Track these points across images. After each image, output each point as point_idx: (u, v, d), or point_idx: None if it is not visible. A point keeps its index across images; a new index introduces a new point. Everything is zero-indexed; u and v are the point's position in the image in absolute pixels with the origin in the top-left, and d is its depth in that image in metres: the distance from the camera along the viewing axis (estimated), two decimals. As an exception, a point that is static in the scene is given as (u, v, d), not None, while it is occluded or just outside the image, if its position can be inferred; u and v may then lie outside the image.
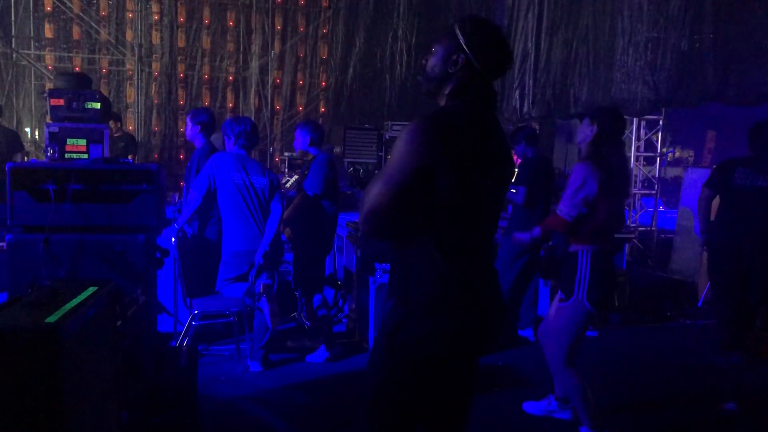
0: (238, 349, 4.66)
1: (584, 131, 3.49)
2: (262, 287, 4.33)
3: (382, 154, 9.04)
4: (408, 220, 1.90)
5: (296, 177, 8.14)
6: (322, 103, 12.66)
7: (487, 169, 1.98)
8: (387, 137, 9.00)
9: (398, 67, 11.99)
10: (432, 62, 2.06)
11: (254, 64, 12.04)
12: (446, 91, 2.04)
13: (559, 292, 3.54)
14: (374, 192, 1.85)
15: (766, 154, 4.96)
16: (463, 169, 1.89)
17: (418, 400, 2.01)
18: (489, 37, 2.02)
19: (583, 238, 3.42)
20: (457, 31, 2.01)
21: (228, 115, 11.21)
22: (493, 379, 4.50)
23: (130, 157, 8.42)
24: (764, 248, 4.95)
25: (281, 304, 4.84)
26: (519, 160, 5.50)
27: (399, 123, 9.13)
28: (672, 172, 16.32)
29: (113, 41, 11.56)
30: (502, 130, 2.13)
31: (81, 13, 11.30)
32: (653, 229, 8.88)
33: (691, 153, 21.48)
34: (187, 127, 5.17)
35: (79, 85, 5.47)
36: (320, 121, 12.12)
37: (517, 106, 9.22)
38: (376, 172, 8.54)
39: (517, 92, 9.18)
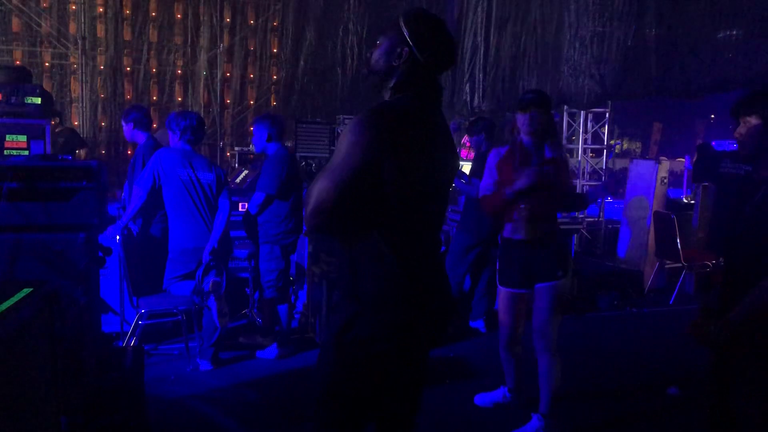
0: (188, 348, 4.58)
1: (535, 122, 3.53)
2: (210, 285, 4.26)
3: (335, 148, 9.00)
4: (354, 214, 1.89)
5: (246, 172, 8.05)
6: (273, 97, 12.53)
7: (431, 162, 1.99)
8: (339, 131, 8.96)
9: (349, 60, 11.96)
10: (376, 55, 2.05)
11: (203, 58, 11.85)
12: (390, 84, 2.02)
13: (555, 273, 3.48)
14: (320, 187, 1.83)
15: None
16: (407, 162, 1.89)
17: (368, 396, 2.00)
18: (433, 30, 2.01)
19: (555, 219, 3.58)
20: (402, 24, 2.00)
21: (177, 110, 11.01)
22: (444, 371, 4.52)
23: (82, 152, 8.21)
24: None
25: (231, 302, 4.77)
26: (471, 153, 5.53)
27: (351, 117, 9.11)
28: (620, 163, 16.70)
29: (55, 34, 11.21)
30: (446, 124, 2.14)
31: (21, 5, 10.92)
32: (601, 219, 9.06)
33: (639, 145, 22.02)
34: (123, 128, 5.11)
35: (19, 79, 5.30)
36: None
37: (468, 99, 9.29)
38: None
39: (468, 86, 9.26)
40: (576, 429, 3.79)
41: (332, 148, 8.97)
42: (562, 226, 6.38)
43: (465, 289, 5.61)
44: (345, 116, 9.19)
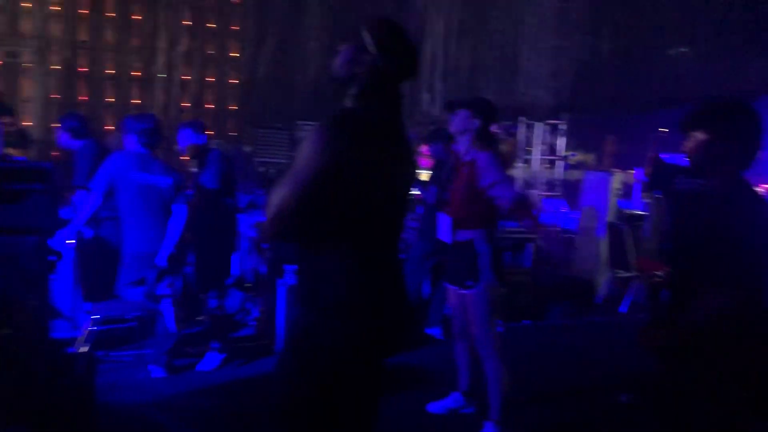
0: (141, 355, 4.50)
1: (464, 123, 3.58)
2: (164, 290, 4.20)
3: (294, 153, 8.95)
4: (314, 221, 1.89)
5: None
6: (231, 100, 12.42)
7: (392, 170, 2.00)
8: (299, 137, 8.92)
9: (311, 66, 11.93)
10: (338, 62, 2.05)
11: (161, 60, 11.68)
12: (353, 92, 2.03)
13: (457, 281, 3.65)
14: (281, 193, 1.84)
15: None
16: (368, 170, 1.91)
17: (328, 405, 1.99)
18: (396, 38, 2.03)
19: (475, 224, 3.57)
20: (364, 32, 2.00)
21: (134, 112, 10.82)
22: (399, 378, 4.51)
23: (20, 153, 7.99)
24: None
25: (187, 308, 4.71)
26: (429, 161, 5.59)
27: (311, 123, 9.07)
28: (574, 175, 16.95)
29: (8, 32, 10.93)
30: (406, 132, 2.16)
31: (-29, 1, 10.63)
32: (555, 229, 9.21)
33: (593, 157, 22.43)
34: (58, 135, 5.06)
35: (-33, 78, 5.18)
36: (229, 120, 11.91)
37: (426, 108, 9.38)
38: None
39: (426, 95, 9.34)
40: (529, 435, 3.85)
41: (291, 153, 8.93)
42: (516, 236, 6.55)
43: (423, 296, 5.65)
44: (305, 122, 9.15)
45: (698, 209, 2.38)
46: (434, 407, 4.03)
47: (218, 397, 4.18)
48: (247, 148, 9.49)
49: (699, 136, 2.33)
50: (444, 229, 3.71)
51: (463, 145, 3.64)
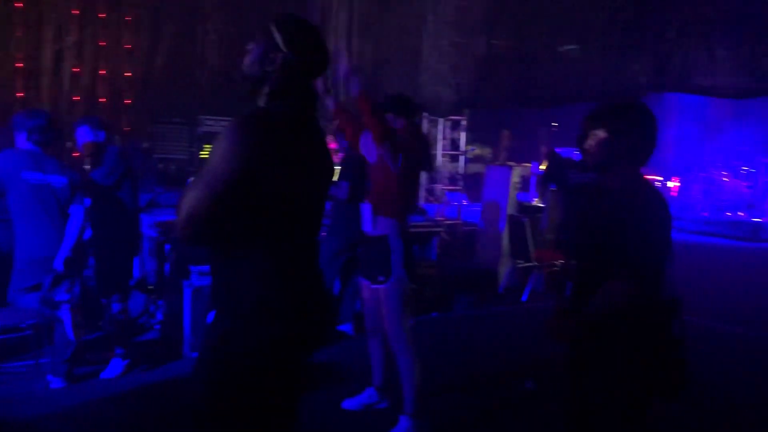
0: (38, 365, 4.26)
1: (390, 125, 3.64)
2: (62, 296, 3.99)
3: (195, 149, 8.70)
4: (229, 224, 1.85)
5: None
6: (126, 94, 11.87)
7: (308, 169, 1.99)
8: (200, 132, 8.67)
9: (210, 57, 11.60)
10: (248, 62, 2.01)
11: (47, 51, 11.01)
12: (265, 91, 2.00)
13: (369, 276, 3.67)
14: (192, 195, 1.77)
15: None
16: (283, 170, 1.88)
17: (249, 411, 1.94)
18: (306, 35, 2.01)
19: (390, 212, 3.60)
20: (274, 30, 1.98)
21: (18, 108, 10.15)
22: (312, 377, 4.48)
23: None
24: None
25: (87, 313, 4.50)
26: (337, 156, 5.57)
27: (213, 117, 8.84)
28: (473, 168, 17.44)
29: None
30: (322, 129, 2.14)
31: None
32: (459, 222, 9.44)
33: (490, 151, 23.16)
34: None
35: None
36: (124, 115, 11.42)
37: (330, 103, 9.37)
38: (190, 169, 8.15)
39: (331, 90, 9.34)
40: (443, 425, 3.93)
41: (192, 149, 8.68)
42: (421, 229, 6.67)
43: (334, 293, 5.66)
44: (207, 117, 8.90)
45: (598, 203, 2.50)
46: (349, 404, 4.05)
47: (124, 404, 4.01)
48: (145, 144, 9.14)
49: (599, 134, 2.44)
50: (366, 218, 3.73)
51: None
